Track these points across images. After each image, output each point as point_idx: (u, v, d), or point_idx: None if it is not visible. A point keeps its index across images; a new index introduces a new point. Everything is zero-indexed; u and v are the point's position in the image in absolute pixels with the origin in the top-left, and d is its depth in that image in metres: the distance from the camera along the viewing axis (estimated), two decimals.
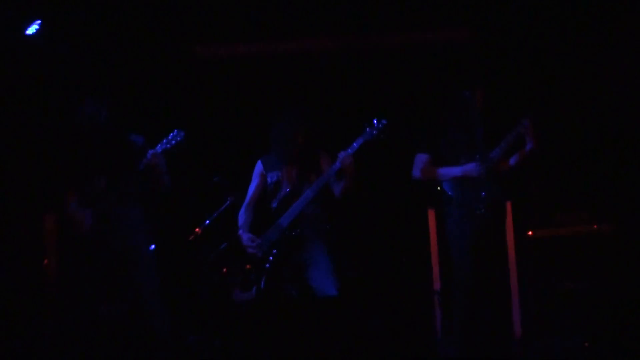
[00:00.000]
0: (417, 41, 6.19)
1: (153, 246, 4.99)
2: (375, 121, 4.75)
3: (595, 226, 5.38)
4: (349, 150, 4.70)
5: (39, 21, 5.19)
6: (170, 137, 4.66)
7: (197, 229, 5.81)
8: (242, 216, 4.98)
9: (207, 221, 5.82)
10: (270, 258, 4.79)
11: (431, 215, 5.59)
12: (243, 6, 5.85)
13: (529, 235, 5.41)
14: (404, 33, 6.19)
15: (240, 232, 4.92)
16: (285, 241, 4.79)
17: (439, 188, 4.94)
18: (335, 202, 4.89)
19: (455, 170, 4.71)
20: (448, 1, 5.85)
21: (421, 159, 4.85)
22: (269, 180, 4.96)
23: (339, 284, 4.79)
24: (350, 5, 5.81)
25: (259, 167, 5.02)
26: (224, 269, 5.71)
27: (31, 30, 5.18)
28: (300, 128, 4.86)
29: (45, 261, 5.51)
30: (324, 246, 4.87)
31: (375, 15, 5.92)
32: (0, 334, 5.23)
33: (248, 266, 5.46)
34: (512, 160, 4.74)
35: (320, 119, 5.41)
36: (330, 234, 5.01)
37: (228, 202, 5.76)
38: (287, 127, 4.86)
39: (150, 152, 4.57)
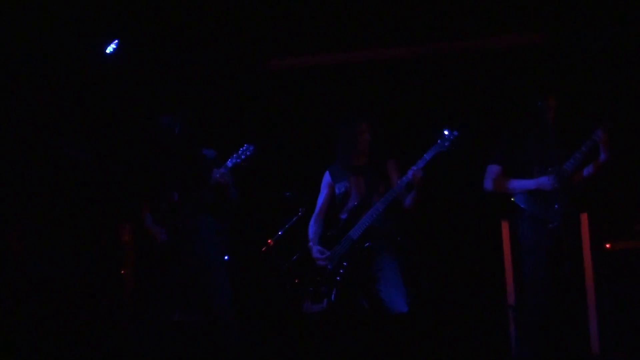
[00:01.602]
0: (488, 47, 6.07)
1: (227, 257, 5.08)
2: (447, 132, 4.68)
3: None
4: (420, 163, 4.64)
5: (117, 40, 5.39)
6: (240, 152, 4.76)
7: (269, 240, 5.90)
8: (311, 227, 4.97)
9: (280, 232, 5.90)
10: (341, 271, 4.76)
11: (505, 227, 5.46)
12: (313, 18, 5.89)
13: (607, 247, 5.23)
14: (475, 39, 6.09)
15: (311, 244, 4.91)
16: (356, 254, 4.76)
17: (512, 199, 4.84)
18: (405, 213, 4.84)
19: (528, 184, 4.63)
20: (523, 6, 5.72)
21: (493, 170, 4.78)
22: (337, 191, 4.93)
23: (409, 298, 4.75)
24: (421, 12, 5.75)
25: (326, 177, 5.01)
26: (296, 280, 5.75)
27: (110, 49, 5.39)
28: (366, 137, 4.83)
29: (123, 271, 5.69)
30: (395, 259, 4.82)
31: (445, 22, 5.84)
32: (79, 343, 5.41)
33: (319, 278, 5.49)
34: (586, 172, 4.62)
35: (390, 129, 5.40)
36: (401, 246, 4.97)
37: (300, 213, 5.83)
38: (353, 136, 4.84)
39: (217, 171, 4.66)
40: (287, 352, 5.50)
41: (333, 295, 4.79)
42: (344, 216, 4.87)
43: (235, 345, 4.73)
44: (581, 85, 5.65)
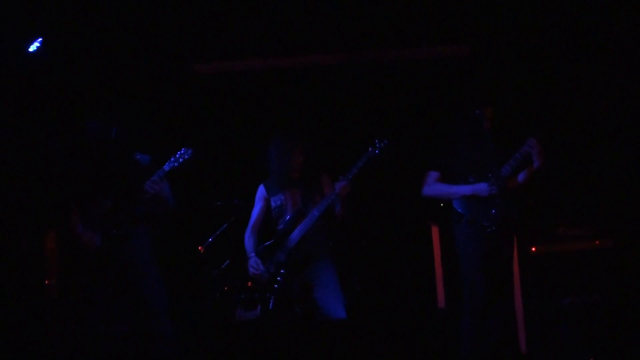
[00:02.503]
0: (415, 57, 6.18)
1: None
2: (377, 141, 4.81)
3: (597, 241, 5.42)
4: (349, 175, 4.73)
5: (40, 39, 5.15)
6: (178, 155, 4.64)
7: (199, 247, 5.80)
8: (247, 240, 4.98)
9: (210, 239, 5.80)
10: (279, 279, 4.78)
11: (435, 232, 5.59)
12: (242, 24, 5.83)
13: (532, 250, 5.43)
14: (401, 48, 6.18)
15: (252, 254, 4.90)
16: (293, 261, 4.80)
17: (442, 205, 4.95)
18: (337, 221, 4.90)
19: (465, 189, 4.72)
20: (447, 18, 5.86)
21: (431, 176, 4.86)
22: (272, 204, 4.97)
23: (346, 303, 4.79)
24: (353, 22, 5.79)
25: (261, 191, 5.03)
26: (225, 287, 5.68)
27: (33, 47, 5.13)
28: (297, 151, 4.88)
29: (47, 282, 5.43)
30: (332, 265, 4.88)
31: (382, 30, 5.89)
32: (2, 356, 5.13)
33: (250, 284, 5.45)
34: (521, 178, 4.78)
35: (322, 139, 5.42)
36: (334, 251, 5.02)
37: (231, 219, 5.76)
38: (286, 154, 4.88)
39: (148, 183, 4.54)
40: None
41: (271, 303, 4.79)
42: (281, 226, 4.91)
43: (170, 355, 4.60)
44: (514, 93, 5.84)
